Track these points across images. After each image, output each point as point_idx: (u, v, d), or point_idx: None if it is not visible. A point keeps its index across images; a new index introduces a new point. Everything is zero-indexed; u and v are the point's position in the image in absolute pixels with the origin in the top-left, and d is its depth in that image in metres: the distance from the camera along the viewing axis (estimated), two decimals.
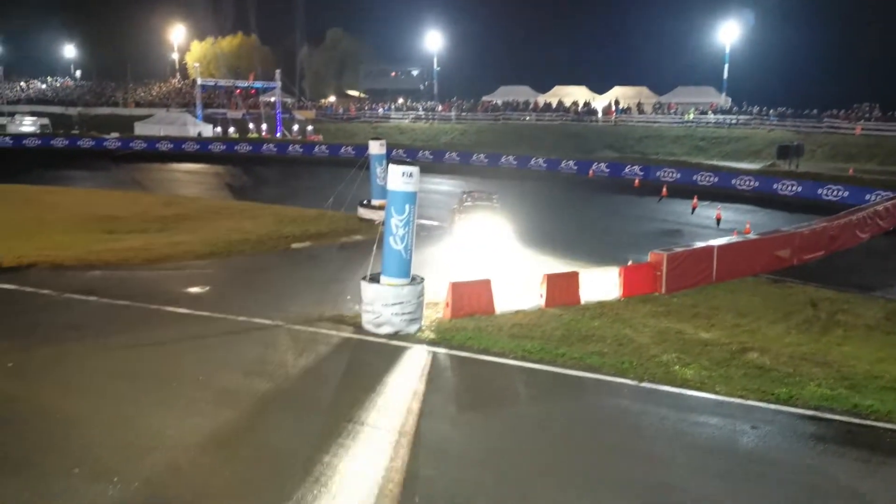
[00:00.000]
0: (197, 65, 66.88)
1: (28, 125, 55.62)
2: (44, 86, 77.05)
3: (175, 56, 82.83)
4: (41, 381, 10.31)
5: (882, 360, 11.96)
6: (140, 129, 55.47)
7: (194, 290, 15.67)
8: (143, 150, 49.11)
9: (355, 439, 8.74)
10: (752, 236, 19.98)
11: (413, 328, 12.91)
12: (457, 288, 13.84)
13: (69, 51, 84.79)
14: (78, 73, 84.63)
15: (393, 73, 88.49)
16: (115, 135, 52.59)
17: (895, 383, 10.81)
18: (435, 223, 24.50)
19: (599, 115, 58.05)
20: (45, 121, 57.57)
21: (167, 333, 12.55)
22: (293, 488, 7.53)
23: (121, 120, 60.34)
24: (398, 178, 13.00)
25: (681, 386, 10.60)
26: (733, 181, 35.31)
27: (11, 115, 58.25)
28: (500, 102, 63.23)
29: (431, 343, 12.40)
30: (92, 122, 61.59)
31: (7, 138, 51.66)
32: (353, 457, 8.30)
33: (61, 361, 11.14)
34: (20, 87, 75.70)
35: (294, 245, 20.68)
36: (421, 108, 64.57)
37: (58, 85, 77.74)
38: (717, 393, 10.37)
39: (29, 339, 12.15)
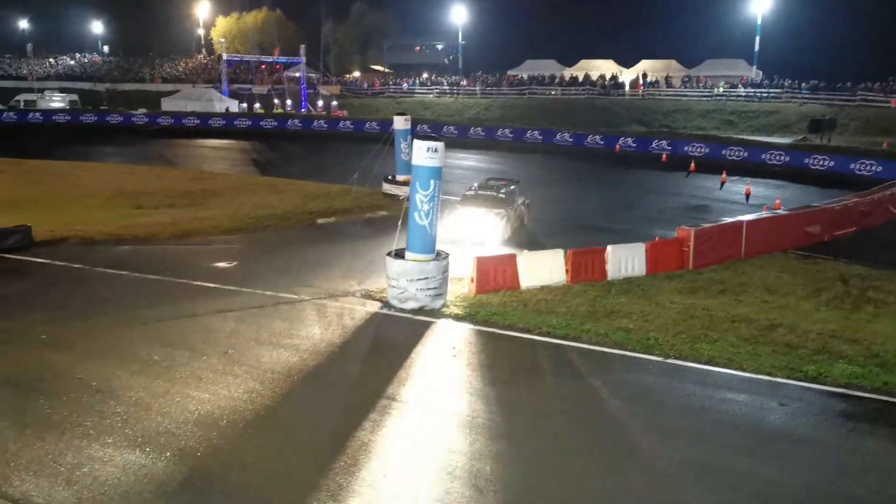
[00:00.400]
0: (222, 40, 66.96)
1: (58, 101, 56.21)
2: (72, 62, 77.73)
3: (200, 32, 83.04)
4: (75, 353, 10.54)
5: None
6: (167, 104, 55.82)
7: (222, 264, 15.86)
8: (170, 126, 49.47)
9: (381, 413, 8.84)
10: (781, 212, 19.66)
11: (438, 303, 12.96)
12: (482, 263, 13.84)
13: (97, 27, 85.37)
14: (106, 49, 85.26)
15: (417, 48, 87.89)
16: (142, 111, 52.99)
17: None
18: (459, 198, 24.45)
19: (627, 88, 57.22)
20: (75, 97, 58.09)
21: (197, 307, 12.74)
22: (321, 461, 7.66)
23: (148, 96, 60.80)
24: (423, 153, 12.98)
25: (707, 363, 10.54)
26: (763, 156, 34.68)
27: (41, 91, 58.85)
28: (525, 76, 62.53)
29: (456, 318, 12.44)
30: (119, 98, 62.12)
31: (38, 114, 52.31)
32: (380, 430, 8.40)
33: (94, 334, 11.37)
34: (49, 63, 76.46)
35: (319, 221, 20.79)
36: (445, 83, 64.07)
37: (86, 61, 78.37)
38: (744, 370, 10.30)
39: (63, 312, 12.43)
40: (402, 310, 12.76)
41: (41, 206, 21.87)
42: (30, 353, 10.55)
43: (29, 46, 76.31)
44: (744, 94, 52.55)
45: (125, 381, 9.59)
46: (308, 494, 7.02)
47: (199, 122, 49.94)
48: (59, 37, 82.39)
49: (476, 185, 19.92)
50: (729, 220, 17.64)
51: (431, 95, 61.92)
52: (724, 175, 29.30)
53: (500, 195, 18.75)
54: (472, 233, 17.41)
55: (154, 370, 9.98)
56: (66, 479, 7.21)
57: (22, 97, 55.91)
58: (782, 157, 34.25)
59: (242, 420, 8.53)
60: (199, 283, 14.28)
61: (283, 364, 10.32)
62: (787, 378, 10.06)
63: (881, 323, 12.63)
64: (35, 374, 9.74)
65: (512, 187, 19.69)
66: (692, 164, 32.91)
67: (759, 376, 10.12)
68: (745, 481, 7.48)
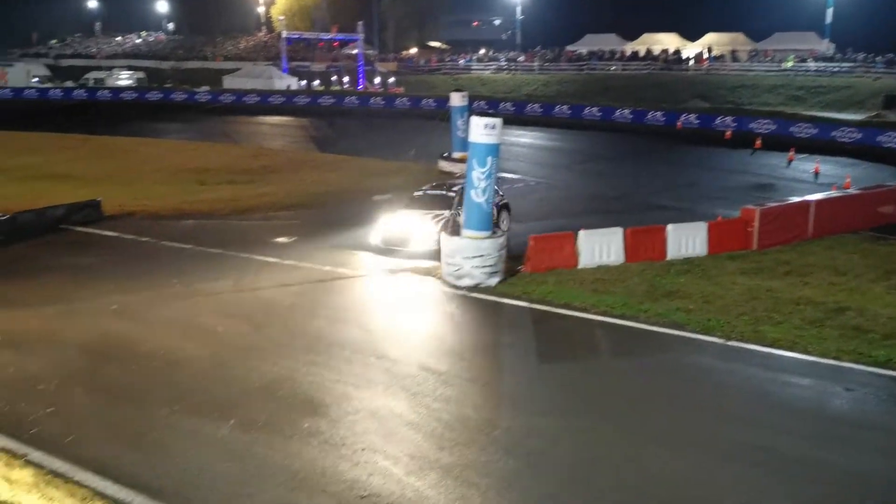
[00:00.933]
0: (282, 18, 67.63)
1: (125, 79, 57.92)
2: (139, 40, 79.75)
3: (261, 9, 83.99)
4: (144, 323, 10.96)
5: None
6: (228, 82, 56.85)
7: (281, 239, 16.19)
8: (232, 104, 50.41)
9: (434, 388, 8.92)
10: (852, 191, 18.91)
11: (493, 281, 12.95)
12: (538, 241, 13.76)
13: (161, 5, 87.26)
14: (171, 26, 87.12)
15: (475, 23, 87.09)
16: (205, 88, 54.12)
17: None
18: (517, 176, 24.36)
19: (690, 63, 55.59)
20: (142, 74, 59.81)
21: (258, 281, 13.05)
22: (367, 435, 7.79)
23: (210, 73, 61.98)
24: (480, 130, 12.91)
25: (770, 345, 10.26)
26: (833, 133, 33.29)
27: (110, 69, 60.65)
28: (584, 52, 61.40)
29: (512, 296, 12.41)
30: (183, 76, 63.54)
31: (106, 91, 53.99)
32: (431, 406, 8.48)
33: (162, 305, 11.79)
34: (117, 41, 78.60)
35: (375, 198, 20.93)
36: (503, 59, 63.42)
37: (151, 39, 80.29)
38: (809, 353, 9.99)
39: (131, 283, 12.91)
40: (458, 287, 12.81)
41: (110, 181, 22.67)
42: (102, 322, 11.01)
43: (97, 25, 78.63)
44: (814, 68, 50.49)
45: (190, 351, 9.93)
46: (358, 465, 7.15)
47: (259, 99, 50.74)
48: (125, 15, 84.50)
49: (428, 185, 17.33)
50: (796, 199, 17.09)
51: (488, 72, 61.41)
52: (791, 153, 28.29)
53: (450, 193, 16.09)
54: (399, 240, 14.99)
55: (217, 341, 10.29)
56: (136, 443, 7.53)
57: (91, 75, 57.77)
58: (854, 135, 32.82)
59: (301, 392, 8.74)
60: (259, 257, 14.62)
61: (340, 338, 10.51)
62: (855, 363, 9.71)
63: None
64: (106, 343, 10.17)
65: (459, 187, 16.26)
66: (757, 142, 31.87)
67: (825, 360, 9.80)
68: (807, 467, 7.29)
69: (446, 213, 15.27)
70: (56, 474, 6.88)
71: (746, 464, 7.31)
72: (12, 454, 7.18)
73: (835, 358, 9.83)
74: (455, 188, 16.30)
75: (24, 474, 6.76)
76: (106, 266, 14.24)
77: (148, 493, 6.65)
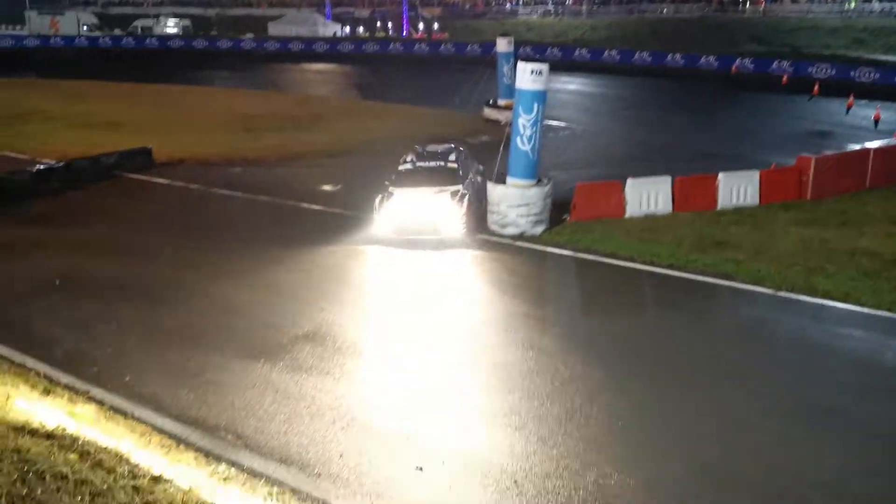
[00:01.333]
0: None
1: (172, 27, 58.19)
2: None
3: None
4: (198, 270, 11.24)
5: None
6: (273, 29, 56.71)
7: (326, 187, 16.33)
8: (277, 51, 50.31)
9: (478, 336, 9.01)
10: None
11: (538, 230, 12.87)
12: (585, 190, 13.59)
13: None
14: None
15: None
16: (249, 35, 54.11)
17: None
18: (563, 124, 23.98)
19: (747, 4, 53.38)
20: (187, 22, 59.98)
21: (305, 229, 13.25)
22: (412, 380, 7.94)
23: (255, 20, 61.89)
24: (527, 76, 12.67)
25: (823, 296, 10.02)
26: None
27: (156, 16, 60.99)
28: None
29: (557, 245, 12.33)
30: (228, 23, 63.50)
31: (154, 39, 54.40)
32: (475, 352, 8.57)
33: (212, 252, 12.07)
34: None
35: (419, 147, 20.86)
36: (550, 3, 61.84)
37: None
38: (863, 305, 9.73)
39: (185, 230, 13.28)
40: (502, 236, 12.77)
41: (160, 129, 23.01)
42: (159, 268, 11.34)
43: None
44: (878, 9, 48.01)
45: (241, 296, 10.18)
46: (405, 408, 7.30)
47: (304, 46, 50.54)
48: None
49: (411, 156, 14.05)
50: (854, 147, 16.48)
51: (535, 16, 59.97)
52: (851, 99, 27.11)
53: (450, 164, 13.47)
54: (421, 227, 12.50)
55: (266, 287, 10.51)
56: (191, 383, 7.80)
57: (139, 23, 58.18)
58: None
59: (349, 338, 8.91)
60: (306, 204, 14.80)
61: (385, 285, 10.68)
62: None
63: None
64: (163, 288, 10.49)
65: (462, 152, 14.37)
66: (815, 87, 30.64)
67: (880, 312, 9.54)
68: (859, 421, 7.17)
69: (460, 188, 12.91)
70: (116, 410, 7.19)
71: (794, 416, 7.23)
72: (75, 391, 7.52)
73: (889, 310, 9.57)
74: (452, 157, 13.72)
75: (87, 410, 7.08)
76: (158, 213, 14.60)
77: (203, 428, 6.91)
